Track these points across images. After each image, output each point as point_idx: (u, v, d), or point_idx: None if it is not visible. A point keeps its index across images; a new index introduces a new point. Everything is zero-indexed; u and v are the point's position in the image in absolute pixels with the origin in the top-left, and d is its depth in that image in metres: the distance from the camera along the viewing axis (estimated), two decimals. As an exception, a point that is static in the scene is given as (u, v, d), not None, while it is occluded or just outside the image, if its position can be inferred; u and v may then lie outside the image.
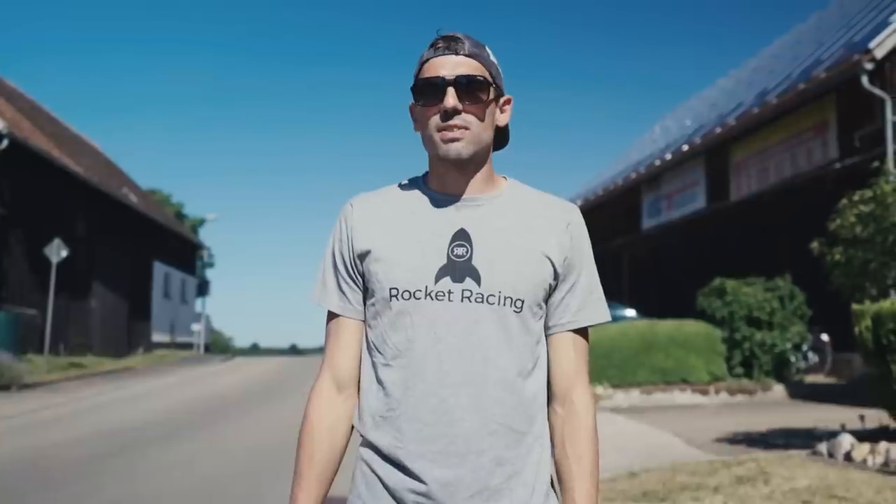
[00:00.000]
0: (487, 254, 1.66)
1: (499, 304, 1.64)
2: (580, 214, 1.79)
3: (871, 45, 15.14)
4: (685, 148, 22.81)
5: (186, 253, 42.62)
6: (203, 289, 46.44)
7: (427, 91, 1.68)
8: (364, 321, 1.76)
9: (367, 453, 1.68)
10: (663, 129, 30.91)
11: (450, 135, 1.65)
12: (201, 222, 54.75)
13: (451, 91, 1.65)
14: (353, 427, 1.76)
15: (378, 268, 1.69)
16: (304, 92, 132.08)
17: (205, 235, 56.01)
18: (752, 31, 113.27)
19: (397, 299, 1.66)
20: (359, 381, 1.76)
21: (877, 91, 15.02)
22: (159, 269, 36.58)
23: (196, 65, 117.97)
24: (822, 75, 16.63)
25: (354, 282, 1.75)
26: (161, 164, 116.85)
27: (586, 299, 1.77)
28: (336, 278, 1.77)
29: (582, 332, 1.79)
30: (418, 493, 1.60)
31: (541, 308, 1.71)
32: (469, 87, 1.66)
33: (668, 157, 23.74)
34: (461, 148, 1.66)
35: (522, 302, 1.65)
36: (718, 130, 20.92)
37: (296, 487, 1.71)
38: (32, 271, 21.82)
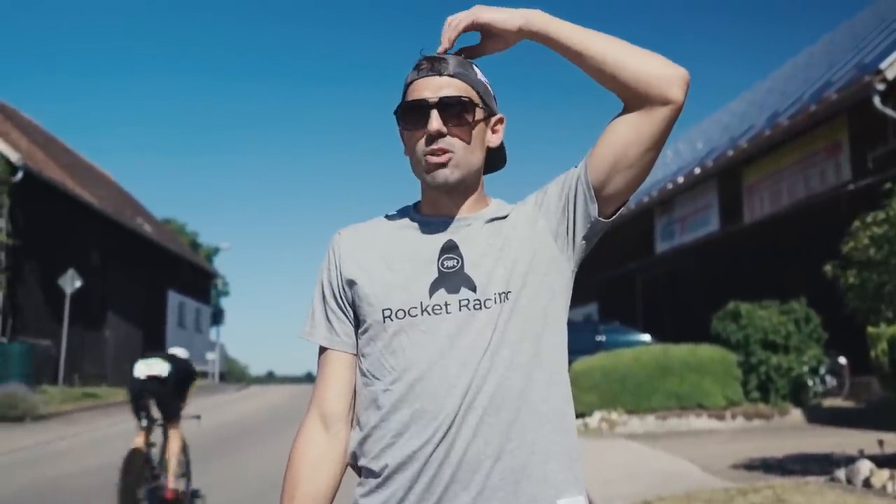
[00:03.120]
0: (478, 260, 1.62)
1: (496, 303, 1.59)
2: None
3: (883, 65, 15.09)
4: (697, 171, 22.76)
5: (200, 282, 42.72)
6: (217, 317, 46.49)
7: (411, 115, 1.64)
8: (355, 353, 1.70)
9: (367, 485, 1.61)
10: (675, 152, 30.88)
11: (435, 160, 1.62)
12: (216, 251, 54.94)
13: (434, 114, 1.60)
14: (343, 468, 1.68)
15: (368, 291, 1.64)
16: (320, 116, 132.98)
17: (219, 264, 56.22)
18: (763, 53, 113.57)
19: (392, 319, 1.61)
20: (351, 417, 1.69)
21: (889, 112, 14.95)
22: (174, 299, 36.68)
23: (210, 92, 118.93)
24: (834, 97, 16.59)
25: (343, 312, 1.70)
26: (176, 194, 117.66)
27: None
28: (324, 310, 1.72)
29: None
30: None
31: (554, 289, 1.66)
32: (454, 109, 1.61)
33: (681, 180, 23.69)
34: (448, 174, 1.62)
35: (519, 292, 1.61)
36: (730, 153, 20.88)
37: None
38: (47, 302, 21.90)
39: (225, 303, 59.44)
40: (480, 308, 1.59)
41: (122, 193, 36.10)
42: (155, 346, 33.11)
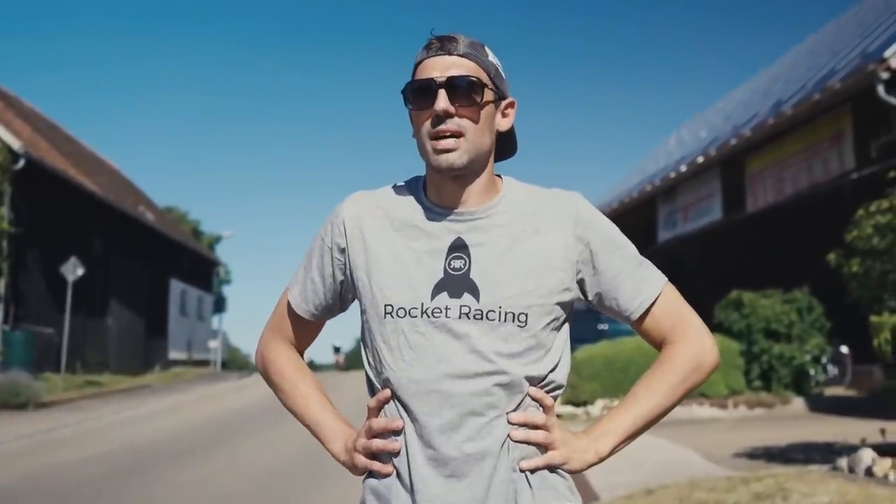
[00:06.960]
0: (486, 266, 1.57)
1: (499, 320, 1.54)
2: (585, 200, 1.68)
3: (887, 54, 15.00)
4: (700, 159, 22.69)
5: (203, 270, 42.74)
6: (220, 305, 46.55)
7: (418, 94, 1.60)
8: (318, 321, 1.77)
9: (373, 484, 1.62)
10: (678, 140, 30.80)
11: (443, 144, 1.56)
12: (218, 239, 54.90)
13: (442, 93, 1.56)
14: None
15: (371, 281, 1.61)
16: (320, 105, 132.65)
17: (221, 252, 56.23)
18: (767, 41, 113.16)
19: (392, 317, 1.58)
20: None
21: (893, 100, 14.84)
22: (176, 287, 36.69)
23: (213, 80, 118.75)
24: (838, 85, 16.51)
25: (323, 285, 1.71)
26: (178, 183, 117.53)
27: (637, 277, 1.70)
28: (306, 277, 1.74)
29: (654, 303, 1.71)
30: None
31: (558, 316, 1.61)
32: (462, 89, 1.56)
33: (684, 168, 23.63)
34: (455, 158, 1.56)
35: (526, 316, 1.55)
36: (734, 141, 20.81)
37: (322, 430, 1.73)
38: (49, 290, 21.91)
39: (227, 291, 59.49)
40: (482, 318, 1.55)
41: (124, 181, 36.08)
42: (157, 335, 33.20)
